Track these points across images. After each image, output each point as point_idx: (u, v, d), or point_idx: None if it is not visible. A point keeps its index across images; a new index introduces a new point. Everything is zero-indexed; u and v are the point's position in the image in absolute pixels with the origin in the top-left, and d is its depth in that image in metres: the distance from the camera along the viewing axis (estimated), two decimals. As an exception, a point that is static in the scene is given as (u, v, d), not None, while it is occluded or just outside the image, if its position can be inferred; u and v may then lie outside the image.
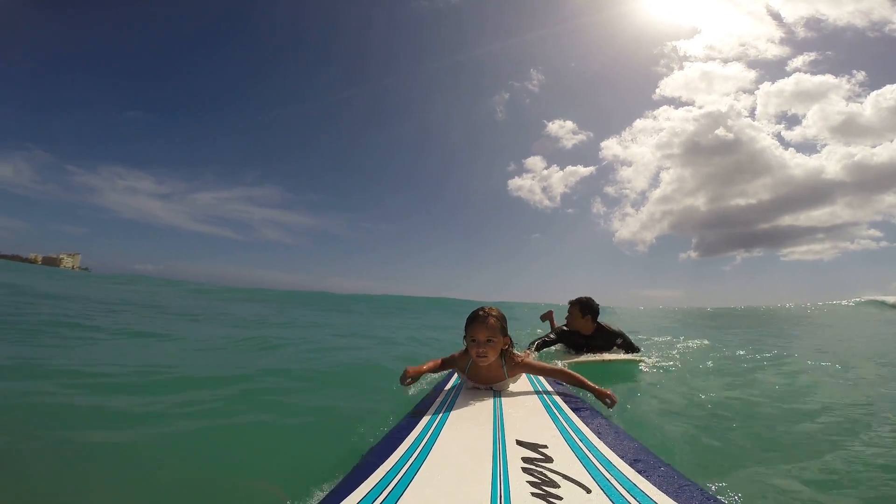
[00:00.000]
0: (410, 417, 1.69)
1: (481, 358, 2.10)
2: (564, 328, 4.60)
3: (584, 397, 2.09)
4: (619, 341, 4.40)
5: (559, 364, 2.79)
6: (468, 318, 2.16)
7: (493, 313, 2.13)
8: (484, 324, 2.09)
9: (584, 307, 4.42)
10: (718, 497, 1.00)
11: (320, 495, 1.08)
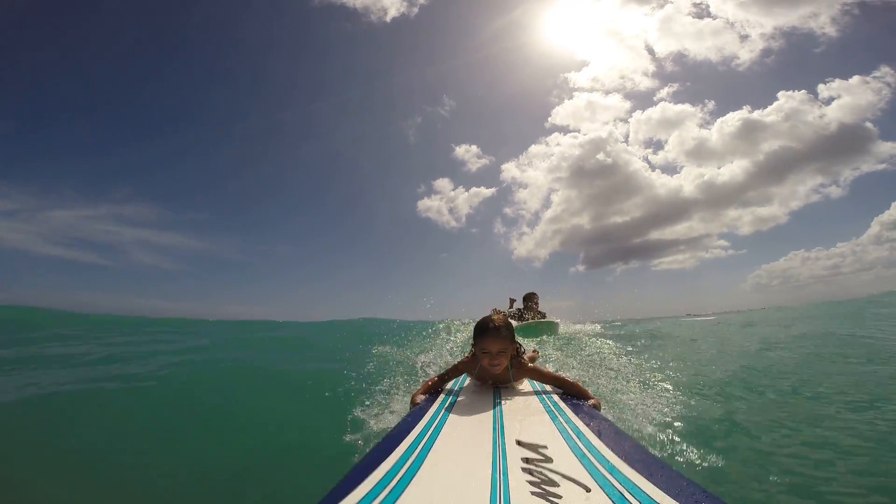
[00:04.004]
0: (411, 417, 1.69)
1: (495, 367, 2.10)
2: (521, 309, 7.77)
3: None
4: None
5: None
6: (478, 329, 2.13)
7: (503, 323, 2.12)
8: (497, 336, 2.07)
9: None
10: (719, 497, 0.99)
11: (320, 495, 1.07)
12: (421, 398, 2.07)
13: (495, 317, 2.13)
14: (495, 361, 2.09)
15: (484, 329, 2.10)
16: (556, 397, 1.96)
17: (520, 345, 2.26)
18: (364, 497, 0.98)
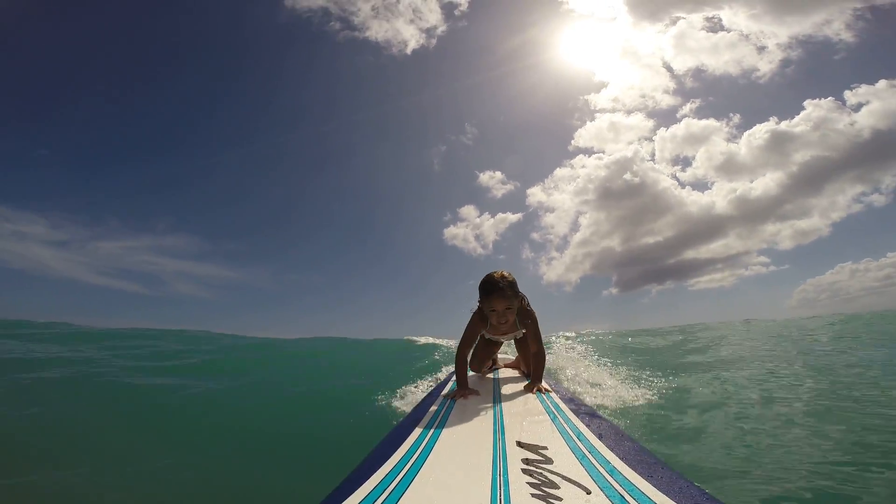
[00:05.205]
0: (412, 418, 1.69)
1: (503, 324, 2.21)
2: None
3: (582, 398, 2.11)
4: None
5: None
6: (484, 289, 2.17)
7: (507, 281, 2.15)
8: (502, 296, 2.13)
9: None
10: (718, 499, 1.00)
11: (322, 495, 1.08)
12: (465, 386, 2.14)
13: (498, 275, 2.15)
14: (502, 319, 2.18)
15: (490, 290, 2.15)
16: (556, 398, 1.97)
17: (524, 295, 2.33)
18: (366, 497, 0.99)
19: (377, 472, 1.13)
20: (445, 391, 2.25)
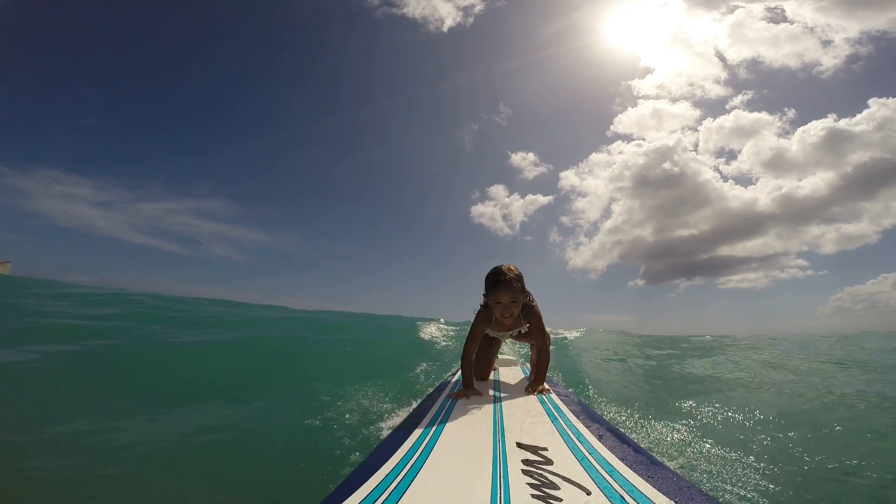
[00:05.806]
0: (411, 419, 1.69)
1: (506, 317, 2.19)
2: None
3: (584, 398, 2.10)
4: None
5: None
6: (490, 280, 2.15)
7: (514, 273, 2.13)
8: (508, 288, 2.11)
9: None
10: (718, 500, 1.00)
11: (321, 496, 1.08)
12: (470, 387, 2.13)
13: (504, 267, 2.14)
14: (507, 312, 2.16)
15: (496, 281, 2.13)
16: (556, 399, 1.96)
17: (529, 292, 2.30)
18: (365, 498, 0.99)
19: (377, 472, 1.13)
20: (447, 391, 2.25)
